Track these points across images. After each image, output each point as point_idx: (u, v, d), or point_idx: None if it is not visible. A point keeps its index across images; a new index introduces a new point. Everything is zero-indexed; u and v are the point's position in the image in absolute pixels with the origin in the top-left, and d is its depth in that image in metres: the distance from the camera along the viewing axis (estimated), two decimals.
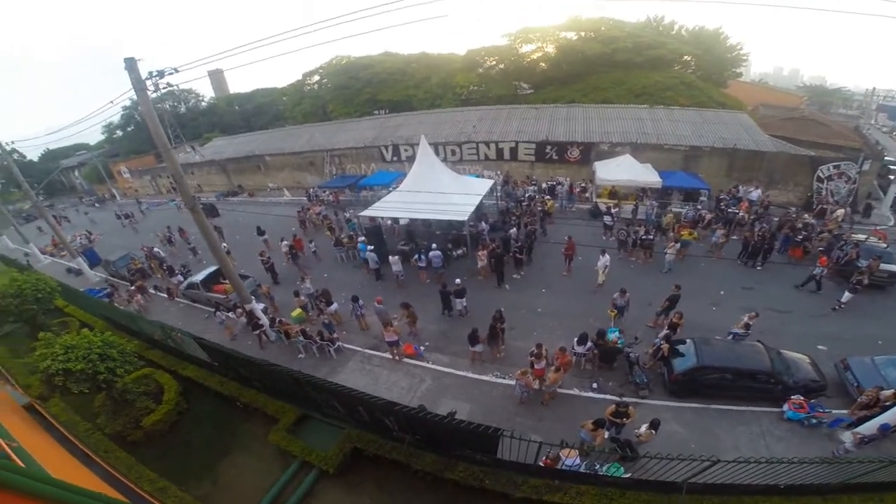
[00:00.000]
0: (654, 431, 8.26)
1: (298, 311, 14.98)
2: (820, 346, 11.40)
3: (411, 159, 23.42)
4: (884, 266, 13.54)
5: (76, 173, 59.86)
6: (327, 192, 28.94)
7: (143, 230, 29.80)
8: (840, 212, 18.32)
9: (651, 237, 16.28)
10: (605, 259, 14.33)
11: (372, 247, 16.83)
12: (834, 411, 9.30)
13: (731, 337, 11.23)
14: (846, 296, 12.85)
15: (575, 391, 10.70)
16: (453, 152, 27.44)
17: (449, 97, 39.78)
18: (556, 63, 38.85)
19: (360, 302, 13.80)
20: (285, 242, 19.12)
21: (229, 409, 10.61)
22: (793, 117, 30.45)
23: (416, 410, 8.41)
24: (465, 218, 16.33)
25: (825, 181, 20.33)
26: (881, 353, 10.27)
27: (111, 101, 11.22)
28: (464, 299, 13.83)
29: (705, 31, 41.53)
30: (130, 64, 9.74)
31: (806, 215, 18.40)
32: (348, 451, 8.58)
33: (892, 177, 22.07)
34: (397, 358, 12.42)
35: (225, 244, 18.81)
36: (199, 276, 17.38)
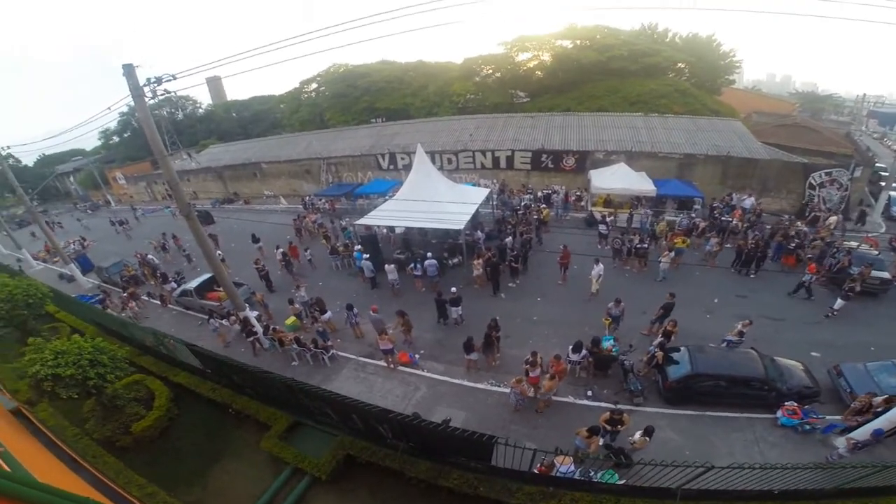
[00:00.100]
0: (647, 438, 8.24)
1: (293, 318, 14.92)
2: (813, 353, 11.47)
3: (408, 168, 23.54)
4: (875, 273, 13.71)
5: (71, 179, 59.71)
6: (323, 201, 28.99)
7: (137, 237, 29.68)
8: (833, 219, 18.51)
9: (646, 246, 16.37)
10: (598, 268, 14.38)
11: (367, 255, 16.82)
12: (827, 417, 9.32)
13: (725, 344, 11.27)
14: (839, 303, 12.97)
15: (570, 399, 10.69)
16: (450, 161, 27.59)
17: (446, 105, 40.08)
18: (552, 71, 39.29)
19: (355, 310, 13.77)
20: (280, 250, 19.11)
21: (221, 416, 10.49)
22: (785, 124, 30.88)
23: (410, 418, 8.36)
24: (462, 227, 16.37)
25: (817, 188, 20.55)
26: (874, 360, 10.37)
27: (108, 108, 11.27)
28: (459, 308, 13.83)
29: (699, 39, 42.12)
30: (129, 70, 9.79)
31: (799, 223, 18.58)
32: (341, 458, 8.48)
33: (882, 183, 22.34)
34: (392, 366, 12.37)
35: (220, 251, 18.79)
36: (192, 284, 17.31)
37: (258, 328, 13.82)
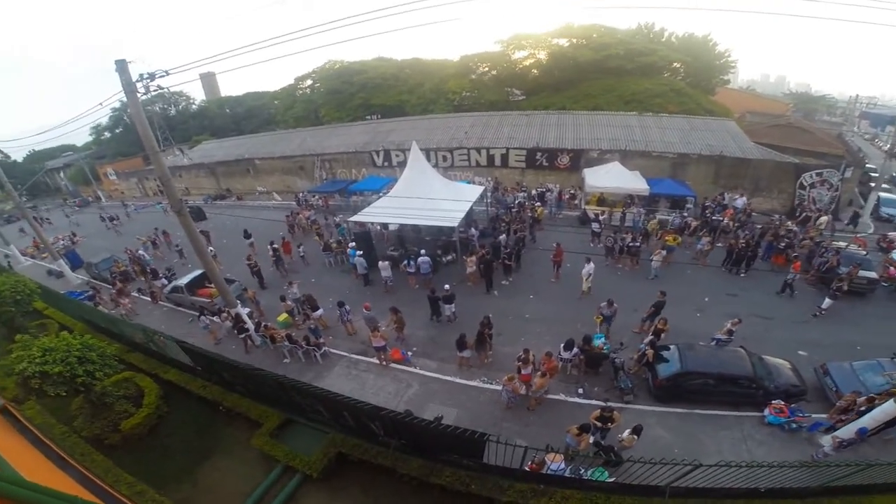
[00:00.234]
0: (636, 437, 8.31)
1: (285, 315, 14.85)
2: (801, 352, 11.61)
3: (402, 165, 23.47)
4: (863, 273, 13.89)
5: (61, 175, 58.87)
6: (317, 197, 28.83)
7: (127, 233, 29.36)
8: (824, 219, 18.72)
9: (638, 244, 16.47)
10: (589, 267, 14.43)
11: (361, 252, 16.77)
12: (813, 416, 9.44)
13: (714, 343, 11.38)
14: (827, 302, 13.13)
15: (561, 396, 10.74)
16: (445, 158, 27.53)
17: (441, 103, 40.00)
18: (548, 70, 39.34)
19: (347, 307, 13.73)
20: (274, 245, 19.02)
21: (211, 414, 10.43)
22: (778, 125, 31.19)
23: (402, 415, 8.36)
24: (455, 224, 16.37)
25: (808, 188, 20.74)
26: (860, 359, 10.51)
27: (100, 104, 11.13)
28: (452, 305, 13.83)
29: (694, 39, 42.28)
30: (121, 66, 9.68)
31: (789, 223, 18.77)
32: (333, 455, 8.48)
33: (872, 184, 22.59)
34: (384, 363, 12.36)
35: (211, 248, 18.64)
36: (183, 280, 17.15)
37: (250, 325, 13.74)
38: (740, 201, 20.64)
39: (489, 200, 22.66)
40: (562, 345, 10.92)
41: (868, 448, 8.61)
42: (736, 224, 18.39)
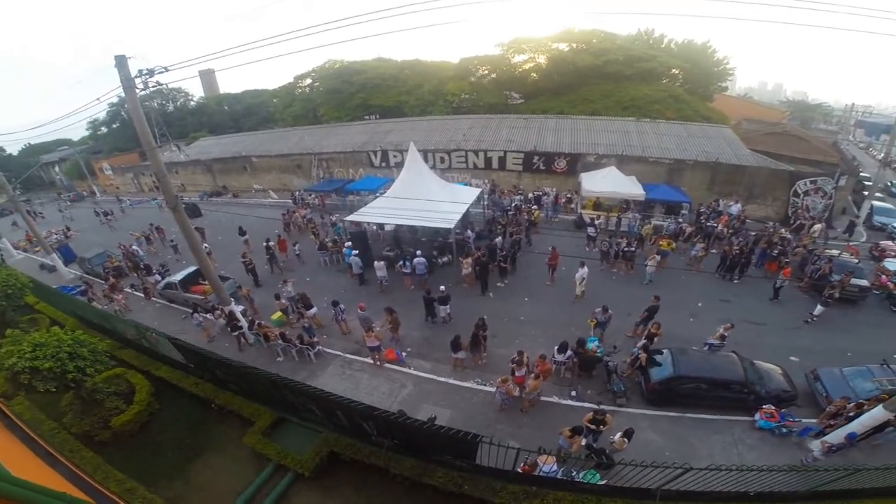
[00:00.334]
0: (626, 440, 8.35)
1: (279, 314, 14.80)
2: (792, 358, 11.70)
3: (400, 165, 23.49)
4: (855, 281, 14.03)
5: (56, 169, 58.47)
6: (313, 196, 28.78)
7: (121, 228, 29.17)
8: (818, 227, 18.89)
9: (633, 249, 16.55)
10: (583, 271, 14.46)
11: (357, 252, 16.75)
12: (804, 420, 9.52)
13: (706, 347, 11.44)
14: (818, 309, 13.25)
15: (554, 399, 10.76)
16: (442, 160, 27.58)
17: (440, 104, 40.07)
18: (548, 74, 39.50)
19: (342, 306, 13.70)
20: (270, 242, 18.97)
21: (203, 411, 10.38)
22: (774, 132, 31.45)
23: (395, 415, 8.36)
24: (452, 225, 16.36)
25: (802, 196, 20.91)
26: (850, 365, 10.60)
27: (98, 99, 11.08)
28: (447, 306, 13.84)
29: (693, 45, 42.57)
30: (121, 61, 9.63)
31: (783, 230, 18.92)
32: (325, 454, 8.46)
33: (865, 192, 22.81)
34: (378, 363, 12.34)
35: (206, 245, 18.55)
36: (177, 276, 17.06)
37: (243, 323, 13.68)
38: (735, 208, 20.78)
39: (486, 203, 22.71)
40: (556, 347, 10.97)
41: (857, 453, 8.68)
42: (730, 231, 18.52)
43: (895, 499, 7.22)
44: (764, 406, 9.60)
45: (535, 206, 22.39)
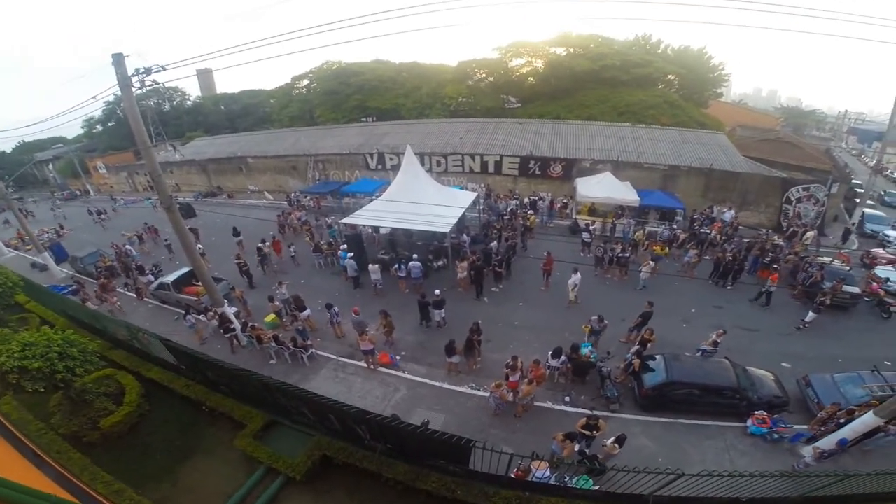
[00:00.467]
0: (617, 446, 8.36)
1: (272, 316, 14.70)
2: (784, 364, 11.78)
3: (396, 168, 23.45)
4: (846, 288, 14.15)
5: (50, 167, 57.99)
6: (309, 198, 28.70)
7: (113, 227, 28.94)
8: (811, 234, 19.06)
9: (627, 255, 16.62)
10: (575, 277, 14.47)
11: (352, 254, 16.70)
12: (795, 426, 9.57)
13: (699, 353, 11.48)
14: (810, 315, 13.36)
15: (548, 404, 10.76)
16: (439, 163, 27.60)
17: (437, 107, 40.14)
18: (545, 78, 39.66)
19: (336, 309, 13.64)
20: (266, 243, 18.84)
21: (194, 413, 10.28)
22: (768, 139, 31.79)
23: (388, 419, 8.32)
24: (447, 229, 16.34)
25: (794, 203, 21.08)
26: (841, 371, 10.70)
27: (94, 97, 11.01)
28: (442, 310, 13.82)
29: (690, 51, 42.88)
30: (118, 59, 9.59)
31: (776, 237, 19.07)
32: (317, 458, 8.40)
33: (857, 200, 23.02)
34: (372, 367, 12.28)
35: (200, 245, 18.43)
36: (170, 277, 16.91)
37: (236, 325, 13.58)
38: (728, 214, 20.94)
39: (481, 207, 22.73)
40: (550, 353, 10.96)
41: (848, 459, 8.75)
42: (723, 237, 18.65)
43: None
44: (756, 412, 9.65)
45: (530, 211, 22.44)
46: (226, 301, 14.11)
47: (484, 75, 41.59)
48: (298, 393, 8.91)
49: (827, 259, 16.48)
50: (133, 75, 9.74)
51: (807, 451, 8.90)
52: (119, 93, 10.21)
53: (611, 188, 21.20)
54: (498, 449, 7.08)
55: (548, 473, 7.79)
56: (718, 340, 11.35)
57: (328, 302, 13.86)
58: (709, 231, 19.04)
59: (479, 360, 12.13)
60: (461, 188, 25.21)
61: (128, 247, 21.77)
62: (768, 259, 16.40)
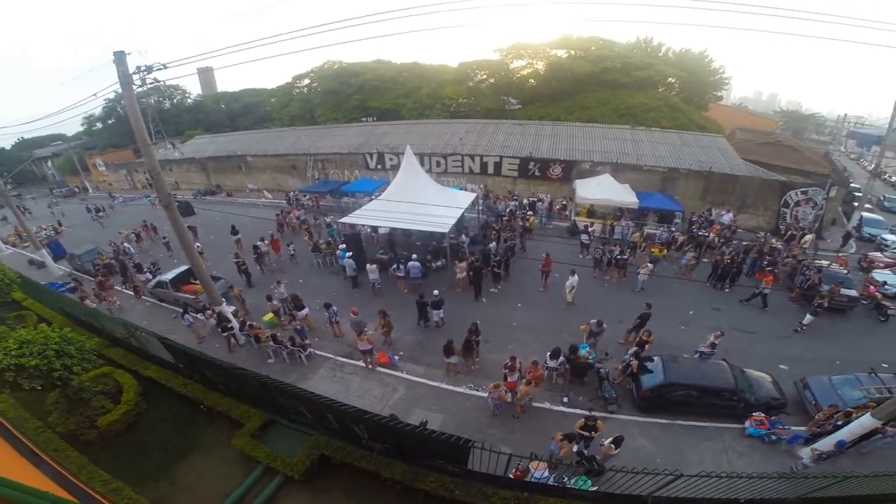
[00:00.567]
0: (614, 447, 8.37)
1: (270, 315, 14.68)
2: (782, 366, 11.82)
3: (396, 168, 23.45)
4: (844, 291, 14.22)
5: (49, 164, 57.85)
6: (308, 197, 28.68)
7: (112, 225, 28.86)
8: (809, 237, 19.11)
9: (626, 257, 16.64)
10: (573, 280, 14.47)
11: (350, 254, 16.69)
12: (793, 428, 9.59)
13: (697, 355, 11.52)
14: (808, 318, 13.41)
15: (546, 405, 10.77)
16: (438, 164, 27.61)
17: (438, 108, 40.14)
18: (545, 80, 39.67)
19: (334, 308, 13.63)
20: (265, 242, 18.78)
21: (192, 412, 10.24)
22: (768, 142, 31.85)
23: (387, 419, 8.30)
24: (447, 230, 16.34)
25: (792, 206, 21.14)
26: (838, 373, 10.73)
27: (94, 94, 11.01)
28: (441, 311, 13.81)
29: (691, 54, 42.94)
30: (119, 57, 9.57)
31: (774, 240, 19.11)
32: (315, 457, 8.37)
33: (855, 203, 23.08)
34: (370, 366, 12.27)
35: (198, 244, 18.41)
36: (168, 275, 16.88)
37: (234, 324, 13.56)
38: (727, 217, 20.99)
39: (480, 208, 22.74)
40: (548, 353, 10.97)
41: (845, 460, 8.78)
42: (721, 240, 18.68)
43: None
44: (754, 413, 9.67)
45: (529, 212, 22.45)
46: (224, 300, 14.07)
47: (484, 76, 41.62)
48: (296, 392, 8.90)
49: (825, 262, 16.54)
50: (134, 73, 9.72)
51: (805, 453, 8.92)
52: (120, 90, 10.21)
53: (610, 190, 21.23)
54: (496, 449, 7.08)
55: (546, 474, 7.79)
56: (716, 342, 11.38)
57: (326, 301, 13.85)
58: (707, 234, 19.07)
59: (478, 361, 12.13)
60: (460, 189, 25.22)
61: (126, 245, 21.72)
62: (766, 262, 16.43)
